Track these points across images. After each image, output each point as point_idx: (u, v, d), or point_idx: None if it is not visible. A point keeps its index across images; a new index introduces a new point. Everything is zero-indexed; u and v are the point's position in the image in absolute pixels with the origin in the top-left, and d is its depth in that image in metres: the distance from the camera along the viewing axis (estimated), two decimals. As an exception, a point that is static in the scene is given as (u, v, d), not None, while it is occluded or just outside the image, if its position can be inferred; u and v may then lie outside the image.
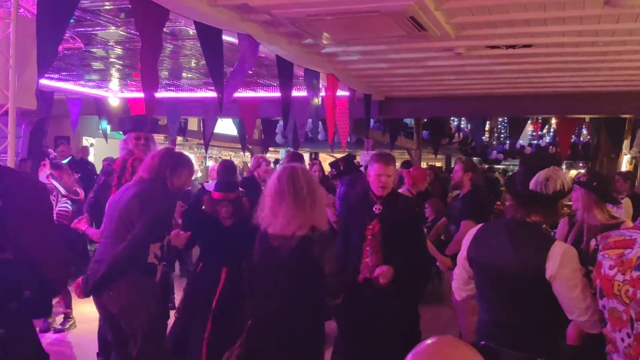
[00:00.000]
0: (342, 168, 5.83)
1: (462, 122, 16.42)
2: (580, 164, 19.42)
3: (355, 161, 6.55)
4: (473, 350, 1.30)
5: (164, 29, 4.08)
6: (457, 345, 1.33)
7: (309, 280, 2.95)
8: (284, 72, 5.70)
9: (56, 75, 8.22)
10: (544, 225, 2.63)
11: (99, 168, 9.74)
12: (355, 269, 3.91)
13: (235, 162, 9.24)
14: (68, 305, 5.71)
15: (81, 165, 9.42)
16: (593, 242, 2.39)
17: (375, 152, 4.17)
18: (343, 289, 3.05)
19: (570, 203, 3.78)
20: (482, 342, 2.58)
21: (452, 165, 12.14)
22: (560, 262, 2.36)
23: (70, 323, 5.75)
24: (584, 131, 18.60)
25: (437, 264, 5.24)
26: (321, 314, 3.09)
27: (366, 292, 3.86)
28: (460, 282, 2.83)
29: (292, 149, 10.61)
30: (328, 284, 2.97)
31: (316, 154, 16.83)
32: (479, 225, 2.80)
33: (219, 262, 4.15)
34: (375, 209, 3.93)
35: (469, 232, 2.78)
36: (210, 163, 17.17)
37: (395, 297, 3.80)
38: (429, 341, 1.33)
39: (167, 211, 3.53)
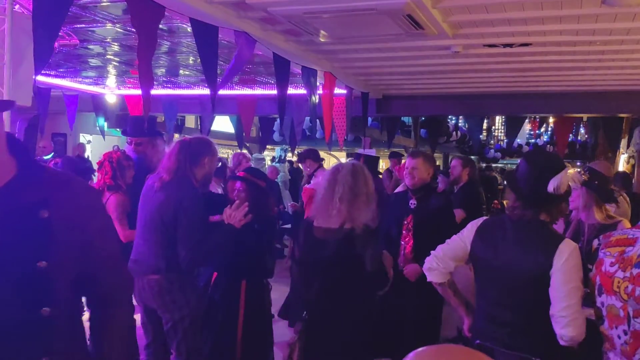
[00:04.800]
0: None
1: (460, 121, 16.44)
2: (578, 163, 19.46)
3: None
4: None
5: (162, 26, 4.06)
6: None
7: (352, 273, 3.02)
8: (280, 70, 5.68)
9: (53, 72, 8.20)
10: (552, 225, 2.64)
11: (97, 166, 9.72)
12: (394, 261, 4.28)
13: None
14: None
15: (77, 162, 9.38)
16: (595, 242, 2.40)
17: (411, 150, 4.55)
18: (386, 284, 3.14)
19: None
20: (477, 341, 2.58)
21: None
22: (566, 258, 2.39)
23: None
24: (582, 130, 18.64)
25: None
26: (368, 302, 3.17)
27: (404, 282, 4.07)
28: (446, 257, 2.72)
29: (289, 147, 10.58)
30: (370, 278, 3.05)
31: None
32: (482, 219, 2.77)
33: (236, 274, 3.68)
34: (411, 204, 4.23)
35: (472, 223, 2.74)
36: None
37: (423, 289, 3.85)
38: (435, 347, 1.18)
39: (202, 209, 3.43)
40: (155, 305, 3.45)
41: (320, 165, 6.76)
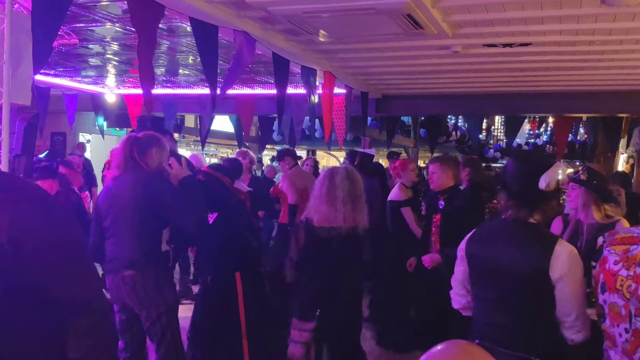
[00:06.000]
0: (355, 163, 5.66)
1: (460, 121, 16.45)
2: (577, 163, 19.48)
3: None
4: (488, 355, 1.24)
5: (161, 25, 4.06)
6: (472, 350, 1.24)
7: (353, 267, 3.30)
8: (279, 69, 5.68)
9: (52, 71, 8.20)
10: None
11: (95, 164, 9.73)
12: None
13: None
14: None
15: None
16: (600, 239, 2.41)
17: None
18: (374, 275, 3.67)
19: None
20: (477, 341, 2.58)
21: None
22: (569, 263, 2.40)
23: None
24: (581, 130, 18.63)
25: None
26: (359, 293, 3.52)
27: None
28: (461, 286, 2.80)
29: (288, 146, 10.56)
30: (365, 269, 3.42)
31: (313, 152, 16.87)
32: (472, 231, 2.80)
33: (226, 268, 3.69)
34: (440, 204, 4.51)
35: (463, 241, 2.79)
36: (206, 160, 17.10)
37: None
38: (441, 346, 1.24)
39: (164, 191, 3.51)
40: (132, 304, 3.43)
41: (295, 164, 6.72)
